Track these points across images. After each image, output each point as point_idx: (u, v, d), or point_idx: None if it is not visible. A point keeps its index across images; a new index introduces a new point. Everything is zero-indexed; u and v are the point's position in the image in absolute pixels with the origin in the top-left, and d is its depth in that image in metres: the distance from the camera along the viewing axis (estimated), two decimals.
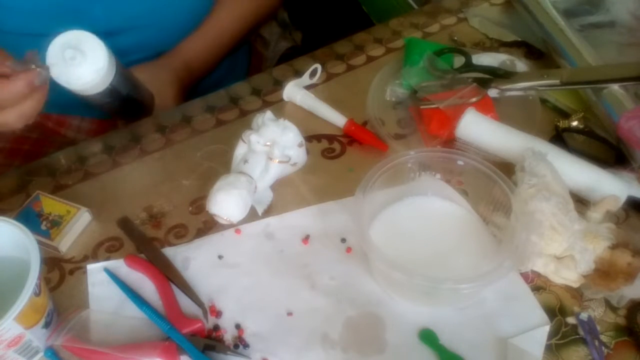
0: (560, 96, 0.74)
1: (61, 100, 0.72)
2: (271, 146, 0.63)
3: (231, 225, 0.62)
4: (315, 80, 0.79)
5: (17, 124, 0.58)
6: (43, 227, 0.62)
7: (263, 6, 0.95)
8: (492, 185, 0.59)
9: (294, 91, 0.76)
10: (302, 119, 0.74)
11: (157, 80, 0.81)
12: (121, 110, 0.74)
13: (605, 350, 0.53)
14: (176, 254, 0.61)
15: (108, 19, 0.78)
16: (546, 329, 0.54)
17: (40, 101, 0.58)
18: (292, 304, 0.57)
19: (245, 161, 0.63)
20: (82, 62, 0.59)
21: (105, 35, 0.61)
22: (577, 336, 0.54)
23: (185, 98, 0.84)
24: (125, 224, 0.64)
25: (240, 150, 0.65)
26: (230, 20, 0.90)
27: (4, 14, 0.75)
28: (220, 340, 0.54)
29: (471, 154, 0.61)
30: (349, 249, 0.61)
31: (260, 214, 0.64)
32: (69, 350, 0.53)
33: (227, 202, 0.60)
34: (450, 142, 0.69)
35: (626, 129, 0.64)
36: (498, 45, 0.85)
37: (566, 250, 0.56)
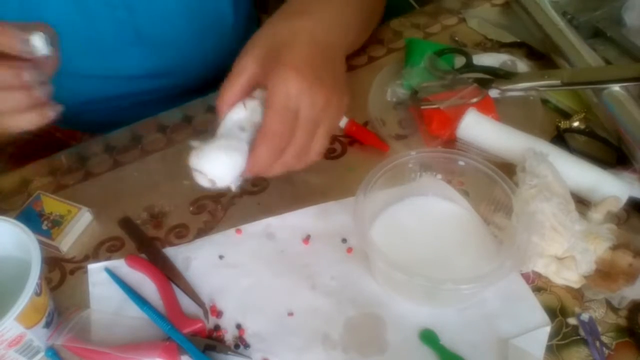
0: (562, 97, 0.74)
1: (73, 119, 0.70)
2: None
3: (231, 226, 0.62)
4: None
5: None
6: (44, 227, 0.62)
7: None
8: (493, 185, 0.59)
9: None
10: None
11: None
12: None
13: (606, 351, 0.53)
14: (177, 254, 0.61)
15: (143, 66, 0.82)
16: (547, 329, 0.54)
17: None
18: (292, 304, 0.57)
19: (243, 129, 0.54)
20: None
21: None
22: (578, 337, 0.54)
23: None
24: (126, 223, 0.64)
25: (236, 115, 0.55)
26: None
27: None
28: (220, 340, 0.54)
29: (472, 154, 0.61)
30: (349, 249, 0.61)
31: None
32: (70, 350, 0.53)
33: (216, 158, 0.51)
34: (451, 142, 0.69)
35: None
36: (499, 46, 0.85)
37: (567, 251, 0.56)
